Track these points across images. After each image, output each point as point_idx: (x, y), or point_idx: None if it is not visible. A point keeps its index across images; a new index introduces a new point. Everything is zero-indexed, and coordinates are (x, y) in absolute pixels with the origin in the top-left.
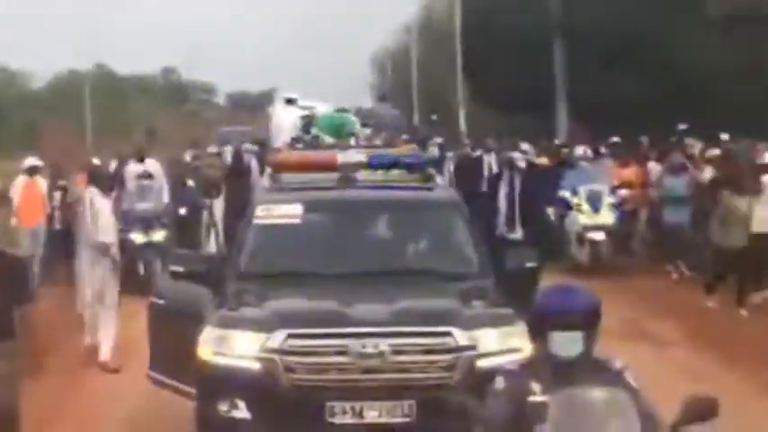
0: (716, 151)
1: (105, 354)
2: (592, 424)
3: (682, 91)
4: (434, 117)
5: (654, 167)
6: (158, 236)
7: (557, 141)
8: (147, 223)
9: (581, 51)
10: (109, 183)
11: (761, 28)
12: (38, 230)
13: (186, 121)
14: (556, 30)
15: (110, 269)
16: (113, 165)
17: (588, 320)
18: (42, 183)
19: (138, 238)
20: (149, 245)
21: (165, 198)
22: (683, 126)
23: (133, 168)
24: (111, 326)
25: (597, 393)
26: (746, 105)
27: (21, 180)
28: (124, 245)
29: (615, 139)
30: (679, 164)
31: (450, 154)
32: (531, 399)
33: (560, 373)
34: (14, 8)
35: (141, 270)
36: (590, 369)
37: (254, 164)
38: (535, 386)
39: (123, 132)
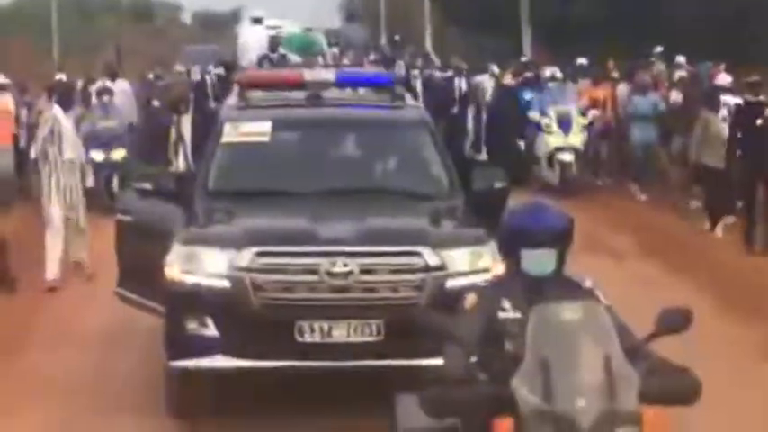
0: (682, 73)
1: (83, 259)
2: (567, 337)
3: (639, 12)
4: (397, 37)
5: (622, 88)
6: (117, 154)
7: (523, 59)
8: (106, 141)
9: None
10: (69, 99)
11: None
12: (7, 150)
13: (153, 39)
14: None
15: (78, 186)
16: (80, 83)
17: (559, 238)
18: (10, 101)
19: (97, 156)
20: (108, 163)
21: (131, 116)
22: (658, 48)
23: (99, 86)
24: (84, 240)
25: (571, 307)
26: (701, 28)
27: None
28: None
29: (582, 60)
30: (646, 83)
31: (415, 73)
32: (502, 315)
33: (532, 290)
34: None
35: (98, 187)
36: (561, 286)
37: (216, 86)
38: (506, 303)
39: (90, 51)
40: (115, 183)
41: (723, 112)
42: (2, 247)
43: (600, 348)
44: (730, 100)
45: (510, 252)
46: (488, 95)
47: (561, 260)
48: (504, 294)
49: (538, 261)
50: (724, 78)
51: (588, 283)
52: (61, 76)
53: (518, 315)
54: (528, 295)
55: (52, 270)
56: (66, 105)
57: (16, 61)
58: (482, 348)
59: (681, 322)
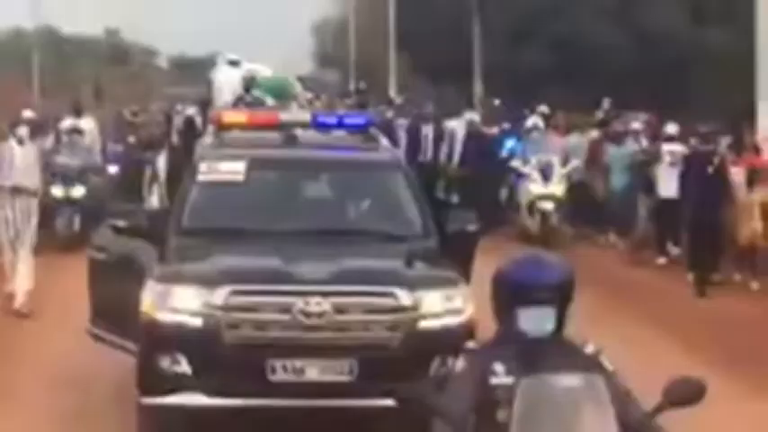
0: (637, 125)
1: (20, 301)
2: (560, 412)
3: (576, 64)
4: (362, 85)
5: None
6: (77, 192)
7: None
8: (68, 178)
9: (493, 27)
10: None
11: (647, 9)
12: None
13: (129, 81)
14: (473, 6)
15: (23, 215)
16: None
17: (560, 294)
18: None
19: (57, 192)
20: (68, 200)
21: (95, 155)
22: (606, 101)
23: (66, 123)
24: (26, 273)
25: (568, 380)
26: (630, 77)
27: None
28: (43, 198)
29: (543, 108)
30: (621, 133)
31: (401, 121)
32: (493, 380)
33: (528, 353)
34: None
35: (58, 225)
36: (561, 351)
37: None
38: (499, 367)
39: (69, 91)
40: (77, 221)
41: (667, 158)
42: None
43: (597, 429)
44: (676, 148)
45: (504, 310)
46: (459, 140)
47: (561, 320)
48: (496, 357)
49: (536, 320)
50: (672, 127)
51: (591, 348)
52: (28, 113)
53: (511, 380)
54: (523, 359)
55: (22, 297)
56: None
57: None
58: (471, 416)
59: (692, 394)
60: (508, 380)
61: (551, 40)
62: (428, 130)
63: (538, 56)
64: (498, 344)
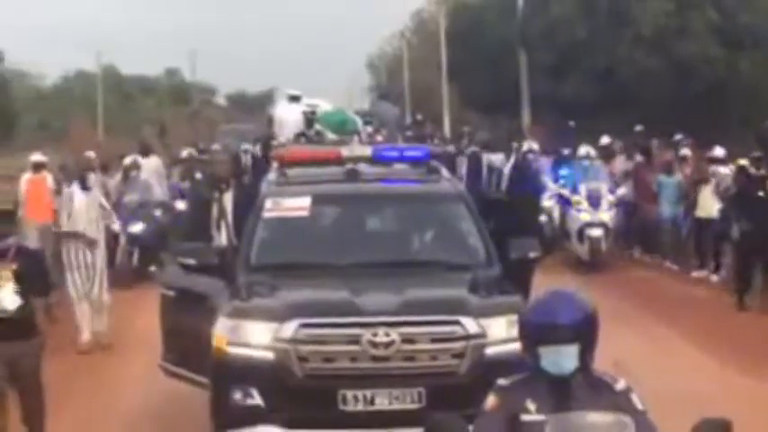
0: (686, 151)
1: (84, 339)
2: None
3: (618, 93)
4: (419, 116)
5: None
6: (135, 227)
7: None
8: (126, 215)
9: (537, 60)
10: (79, 176)
11: (682, 41)
12: (45, 226)
13: (189, 120)
14: (518, 41)
15: (96, 261)
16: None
17: (580, 333)
18: (49, 179)
19: (115, 227)
20: (126, 236)
21: (154, 192)
22: (639, 127)
23: (127, 160)
24: (102, 311)
25: (595, 418)
26: (669, 106)
27: (26, 176)
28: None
29: (605, 139)
30: (671, 162)
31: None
32: (525, 418)
33: (556, 390)
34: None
35: (117, 260)
36: (589, 388)
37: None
38: (530, 404)
39: (131, 129)
40: (135, 256)
41: (714, 181)
42: (53, 323)
43: None
44: (722, 171)
45: (528, 349)
46: (505, 173)
47: (585, 357)
48: (528, 394)
49: (557, 359)
50: (719, 151)
51: (621, 385)
52: (90, 154)
53: (541, 418)
54: (552, 397)
55: (84, 335)
56: (78, 181)
57: (74, 141)
58: None
59: None
60: (539, 418)
61: (592, 70)
62: (489, 159)
63: (580, 85)
64: (530, 380)
